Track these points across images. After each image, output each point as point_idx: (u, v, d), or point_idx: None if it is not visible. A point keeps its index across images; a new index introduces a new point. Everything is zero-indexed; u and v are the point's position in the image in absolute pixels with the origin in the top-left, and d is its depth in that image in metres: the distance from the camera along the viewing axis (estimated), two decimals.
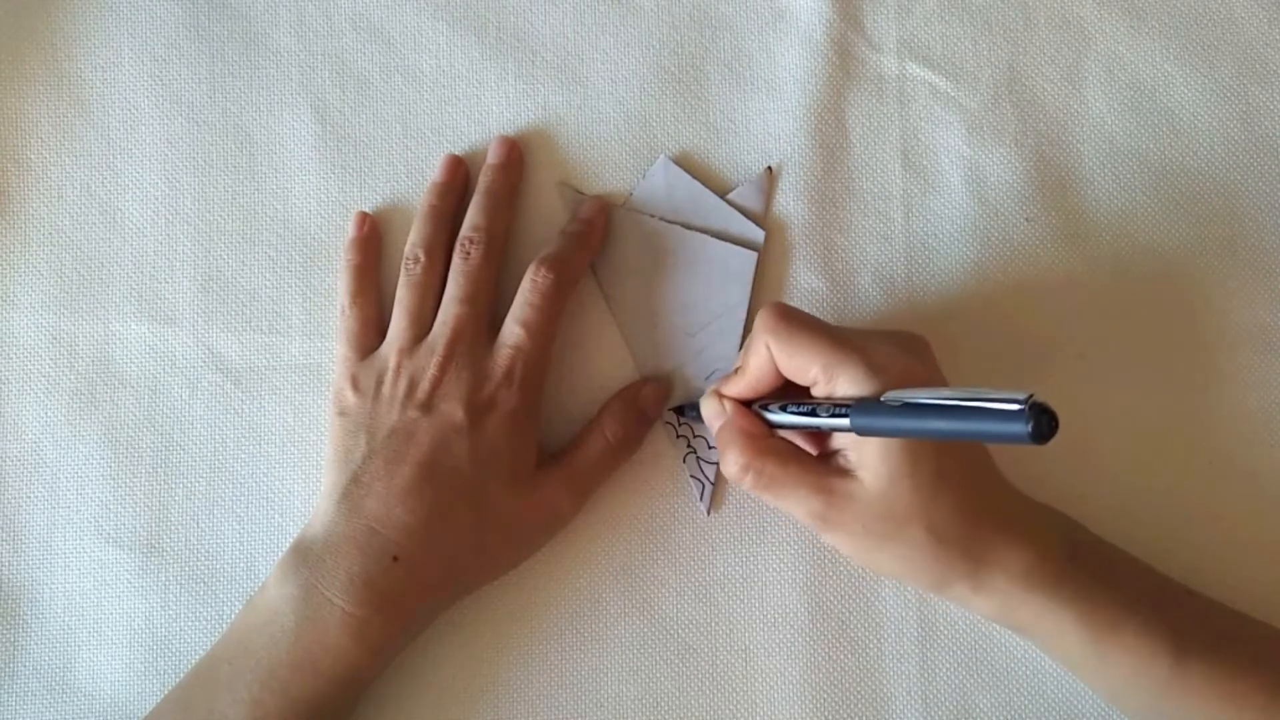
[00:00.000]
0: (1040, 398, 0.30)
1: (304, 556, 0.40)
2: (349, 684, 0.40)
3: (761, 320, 0.39)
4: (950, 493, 0.37)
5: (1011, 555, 0.38)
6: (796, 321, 0.38)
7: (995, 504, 0.39)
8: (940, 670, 0.44)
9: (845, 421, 0.36)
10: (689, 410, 0.45)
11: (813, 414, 0.37)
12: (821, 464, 0.39)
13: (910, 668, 0.44)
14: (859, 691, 0.44)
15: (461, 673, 0.44)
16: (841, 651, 0.45)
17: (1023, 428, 0.30)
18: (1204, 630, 0.39)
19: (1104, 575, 0.39)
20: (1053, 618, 0.38)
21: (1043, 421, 0.30)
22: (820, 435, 0.40)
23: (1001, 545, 0.38)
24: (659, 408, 0.45)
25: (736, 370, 0.41)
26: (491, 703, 0.44)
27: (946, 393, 0.33)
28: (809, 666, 0.44)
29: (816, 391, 0.38)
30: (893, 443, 0.37)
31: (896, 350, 0.38)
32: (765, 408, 0.40)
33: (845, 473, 0.38)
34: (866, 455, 0.37)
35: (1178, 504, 0.45)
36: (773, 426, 0.40)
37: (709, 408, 0.41)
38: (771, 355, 0.38)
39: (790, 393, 0.40)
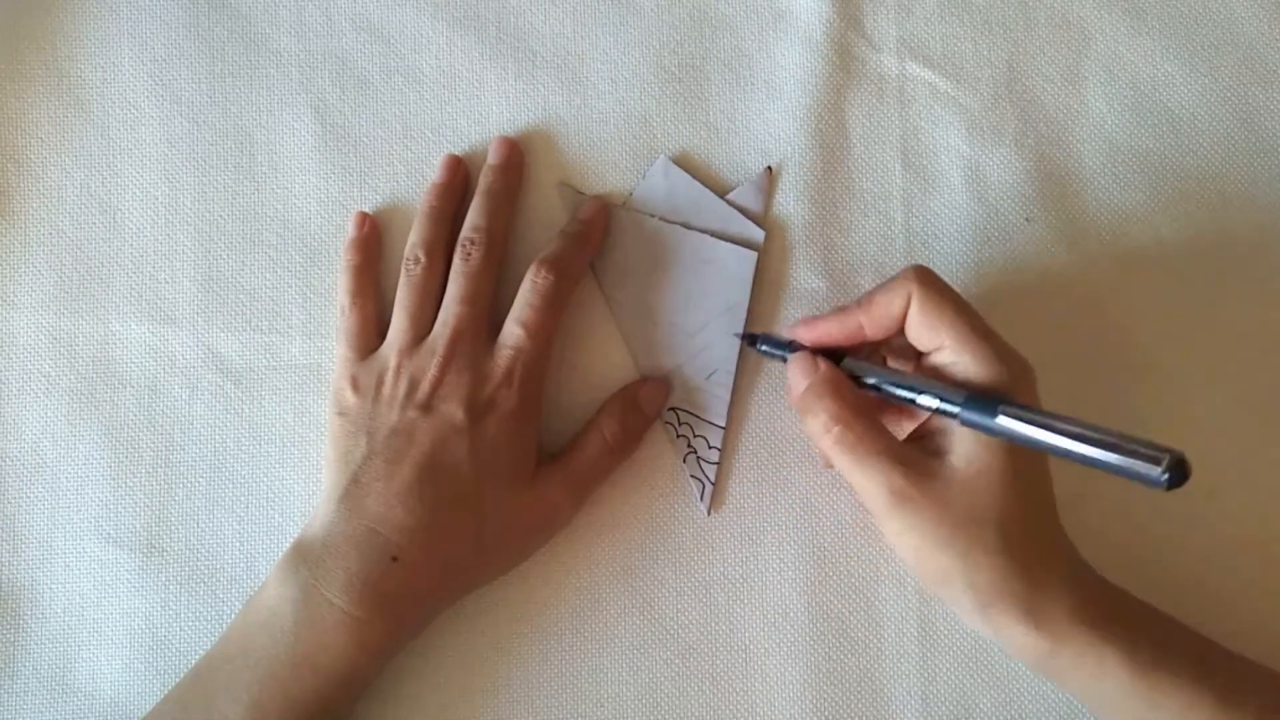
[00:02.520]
0: (1177, 452, 0.32)
1: (304, 556, 0.40)
2: (348, 684, 0.40)
3: (910, 272, 0.39)
4: (1030, 503, 0.37)
5: (1066, 588, 0.37)
6: (944, 285, 0.39)
7: (1052, 539, 0.38)
8: (940, 670, 0.44)
9: (954, 409, 0.36)
10: (762, 342, 0.43)
11: (918, 392, 0.37)
12: (907, 441, 0.39)
13: (910, 668, 0.44)
14: (859, 691, 0.44)
15: (461, 673, 0.44)
16: (841, 651, 0.45)
17: (1158, 475, 0.32)
18: (1226, 675, 0.39)
19: (1144, 619, 0.39)
20: (1096, 654, 0.37)
21: (1179, 472, 0.31)
22: (903, 419, 0.40)
23: (1061, 575, 0.38)
24: (657, 406, 0.45)
25: (845, 309, 0.40)
26: (491, 703, 0.44)
27: (1077, 422, 0.34)
28: (809, 666, 0.44)
29: (937, 358, 0.38)
30: (995, 439, 0.37)
31: (1014, 350, 0.38)
32: (858, 377, 0.40)
33: (935, 452, 0.38)
34: (966, 441, 0.37)
35: (1177, 503, 0.45)
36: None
37: (801, 364, 0.41)
38: (908, 305, 0.38)
39: (876, 355, 0.40)
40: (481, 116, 0.47)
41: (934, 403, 0.37)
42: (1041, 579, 0.37)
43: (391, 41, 0.47)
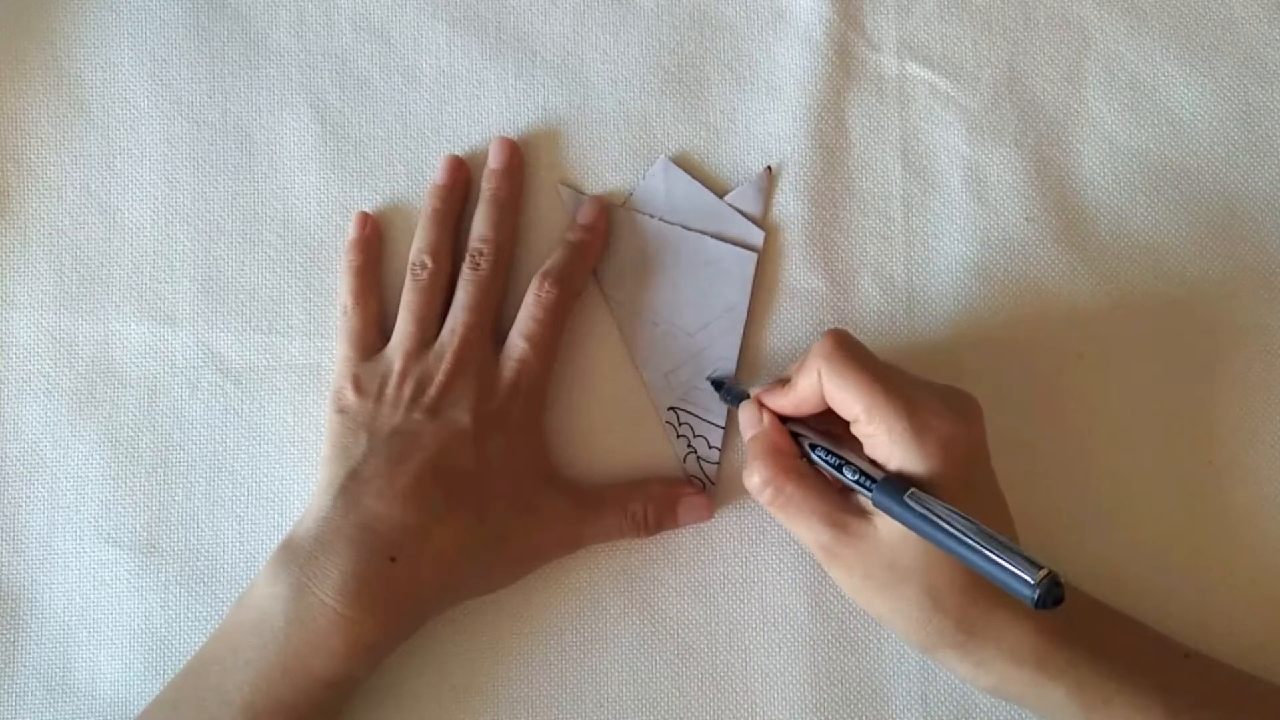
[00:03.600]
0: (1055, 573, 0.32)
1: (294, 554, 0.40)
2: (339, 685, 0.40)
3: (820, 346, 0.39)
4: (959, 563, 0.37)
5: (1005, 630, 0.37)
6: (852, 355, 0.38)
7: (987, 584, 0.38)
8: (940, 670, 0.44)
9: (868, 493, 0.37)
10: (725, 391, 0.45)
11: (840, 468, 0.38)
12: (841, 498, 0.39)
13: (910, 668, 0.44)
14: (859, 691, 0.44)
15: (461, 673, 0.44)
16: (841, 651, 0.45)
17: (1029, 594, 0.32)
18: (1200, 697, 0.39)
19: (1098, 646, 0.38)
20: (1040, 692, 0.38)
21: (1051, 595, 0.32)
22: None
23: (997, 620, 0.37)
24: (692, 522, 0.45)
25: (784, 384, 0.41)
26: (491, 703, 0.44)
27: (967, 526, 0.34)
28: (809, 666, 0.44)
29: (856, 430, 0.38)
30: None
31: (946, 412, 0.37)
32: (798, 436, 0.41)
33: (862, 513, 0.38)
34: None
35: (1176, 503, 0.45)
36: (801, 453, 0.40)
37: (747, 414, 0.42)
38: (820, 381, 0.38)
39: (832, 419, 0.40)
40: (481, 116, 0.47)
41: (851, 484, 0.38)
42: (975, 625, 0.37)
43: (391, 41, 0.47)
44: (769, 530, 0.45)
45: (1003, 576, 0.33)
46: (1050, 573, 0.32)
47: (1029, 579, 0.32)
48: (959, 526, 0.34)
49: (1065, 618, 0.38)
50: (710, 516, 0.45)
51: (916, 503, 0.35)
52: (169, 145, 0.47)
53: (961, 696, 0.44)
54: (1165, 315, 0.46)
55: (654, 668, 0.45)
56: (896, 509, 0.36)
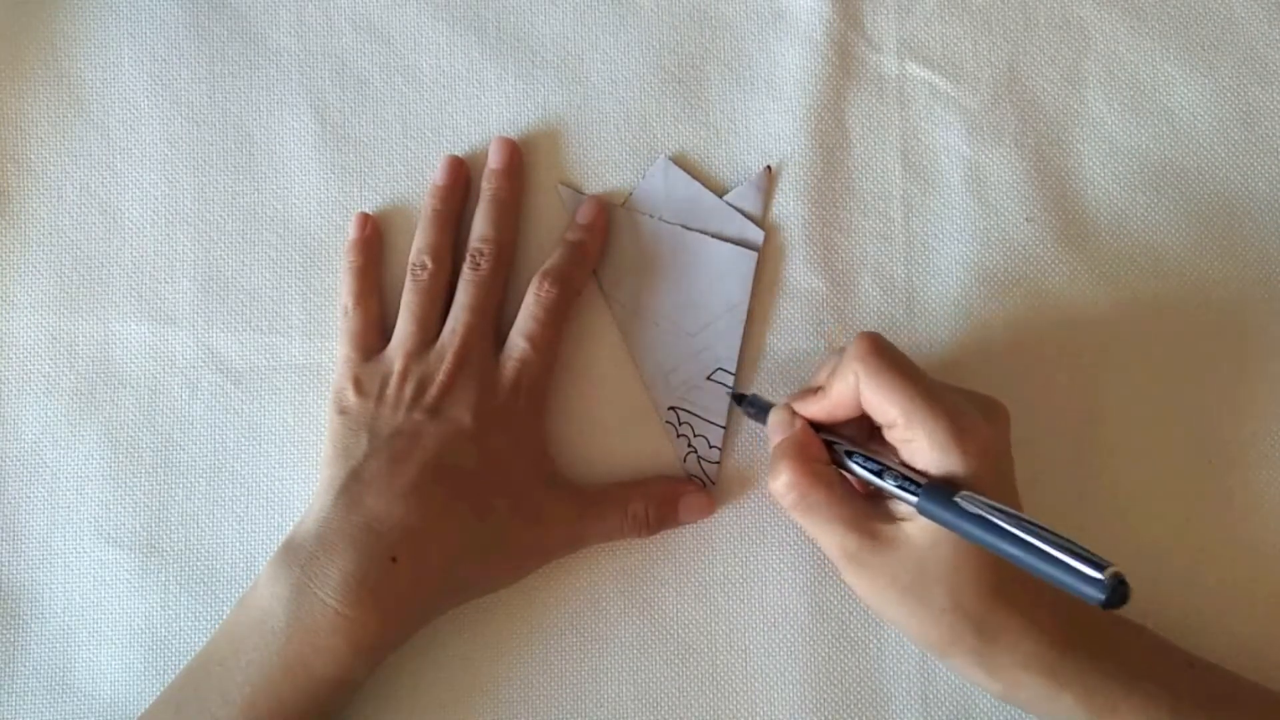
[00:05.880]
0: (1119, 571, 0.31)
1: (295, 554, 0.40)
2: (341, 685, 0.40)
3: (855, 349, 0.38)
4: (986, 568, 0.37)
5: (1019, 637, 0.37)
6: (889, 358, 0.38)
7: (1017, 584, 0.38)
8: (940, 670, 0.44)
9: (912, 499, 0.36)
10: (748, 404, 0.44)
11: (880, 474, 0.38)
12: (866, 504, 0.39)
13: (910, 668, 0.44)
14: (859, 691, 0.44)
15: (461, 673, 0.44)
16: (841, 651, 0.45)
17: (1098, 595, 0.31)
18: (1206, 704, 0.39)
19: (1105, 654, 0.38)
20: (1049, 699, 0.38)
21: (1118, 594, 0.31)
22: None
23: (1013, 626, 0.37)
24: (693, 520, 0.45)
25: (817, 389, 0.40)
26: (491, 703, 0.44)
27: (1025, 526, 0.33)
28: (809, 666, 0.44)
29: (892, 435, 0.38)
30: None
31: (980, 417, 0.37)
32: (832, 445, 0.40)
33: (889, 518, 0.38)
34: None
35: (1177, 503, 0.45)
36: (833, 460, 0.40)
37: (778, 418, 0.41)
38: (857, 385, 0.38)
39: (864, 424, 0.40)
40: (481, 116, 0.47)
41: (894, 490, 0.37)
42: (994, 631, 0.37)
43: (391, 41, 0.47)
44: (769, 530, 0.45)
45: (1063, 576, 0.32)
46: (1117, 570, 0.31)
47: (1097, 576, 0.31)
48: (1017, 526, 0.33)
49: (1072, 625, 0.38)
50: (710, 512, 0.45)
51: (970, 504, 0.34)
52: (169, 145, 0.47)
53: (962, 697, 0.44)
54: (1165, 315, 0.46)
55: (654, 668, 0.45)
56: (946, 514, 0.35)
